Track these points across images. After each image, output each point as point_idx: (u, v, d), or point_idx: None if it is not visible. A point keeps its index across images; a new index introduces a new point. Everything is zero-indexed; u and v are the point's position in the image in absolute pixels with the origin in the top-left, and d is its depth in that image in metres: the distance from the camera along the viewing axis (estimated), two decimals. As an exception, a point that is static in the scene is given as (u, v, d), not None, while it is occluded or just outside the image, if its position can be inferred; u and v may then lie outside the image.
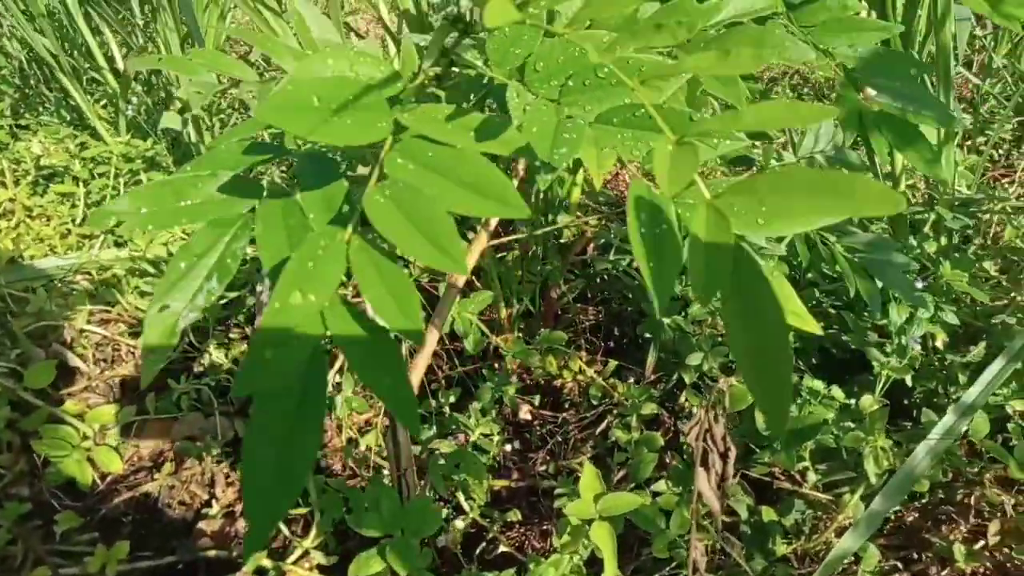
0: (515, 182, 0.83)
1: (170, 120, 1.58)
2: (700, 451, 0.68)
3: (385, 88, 0.45)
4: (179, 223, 0.44)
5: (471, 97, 0.62)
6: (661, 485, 0.87)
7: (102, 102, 2.18)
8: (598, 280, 1.54)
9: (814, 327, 0.55)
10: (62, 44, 2.06)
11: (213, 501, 1.10)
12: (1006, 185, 1.92)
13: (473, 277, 1.51)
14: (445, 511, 1.07)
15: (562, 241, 1.53)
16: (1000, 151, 2.05)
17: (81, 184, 1.78)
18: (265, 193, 0.46)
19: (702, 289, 0.28)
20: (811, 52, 0.54)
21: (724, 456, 0.69)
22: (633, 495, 0.74)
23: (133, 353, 1.34)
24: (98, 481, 1.13)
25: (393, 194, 0.39)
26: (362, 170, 0.56)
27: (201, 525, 1.06)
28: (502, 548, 0.98)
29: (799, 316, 0.54)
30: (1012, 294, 1.23)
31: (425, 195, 0.37)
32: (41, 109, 2.24)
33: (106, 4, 2.09)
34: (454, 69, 0.59)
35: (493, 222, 0.91)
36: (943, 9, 0.97)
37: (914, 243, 1.13)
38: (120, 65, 2.12)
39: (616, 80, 0.52)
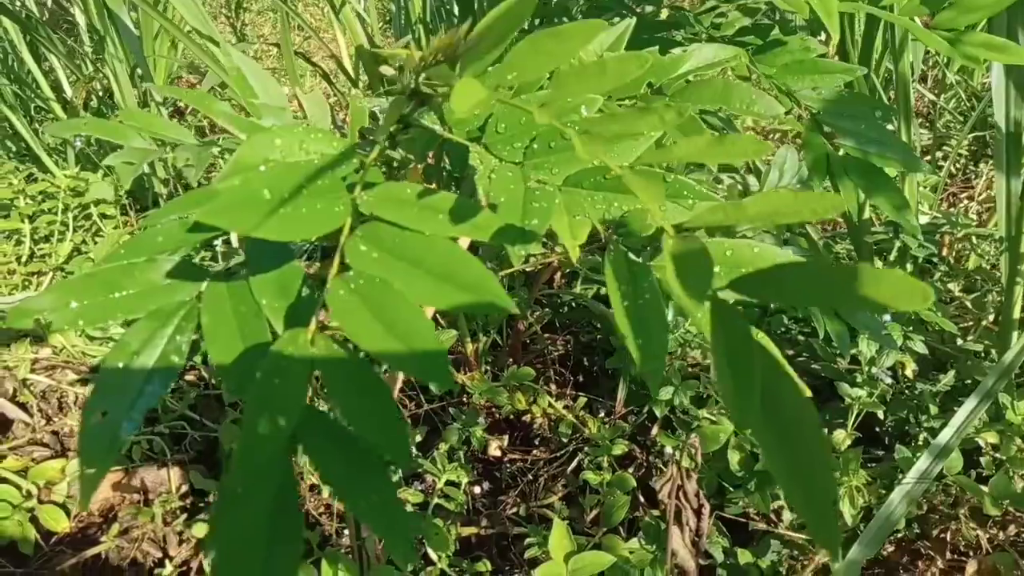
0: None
1: (102, 191, 1.53)
2: (673, 508, 0.65)
3: (340, 167, 0.42)
4: (114, 317, 0.40)
5: (428, 154, 0.59)
6: (634, 543, 0.84)
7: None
8: (565, 309, 1.51)
9: (805, 391, 0.52)
10: (8, 74, 1.98)
11: (166, 560, 1.05)
12: (965, 201, 1.94)
13: (436, 310, 1.47)
14: (412, 563, 1.03)
15: (529, 271, 1.50)
16: (957, 166, 2.08)
17: (27, 220, 1.71)
18: (210, 278, 0.42)
19: (736, 420, 0.25)
20: (779, 107, 0.52)
21: (698, 512, 0.66)
22: (603, 554, 0.71)
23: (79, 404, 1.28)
24: (42, 543, 1.06)
25: (359, 288, 0.35)
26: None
27: (154, 587, 1.01)
28: (472, 603, 0.94)
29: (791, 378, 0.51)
30: (977, 316, 1.23)
31: (394, 290, 0.34)
32: (-15, 140, 2.15)
33: (53, 32, 2.02)
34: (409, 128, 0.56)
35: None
36: (901, 40, 0.97)
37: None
38: (68, 94, 2.05)
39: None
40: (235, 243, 1.35)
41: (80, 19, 2.00)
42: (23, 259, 1.64)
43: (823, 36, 1.12)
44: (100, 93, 2.10)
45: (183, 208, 0.42)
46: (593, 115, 0.44)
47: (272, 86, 0.52)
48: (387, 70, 0.43)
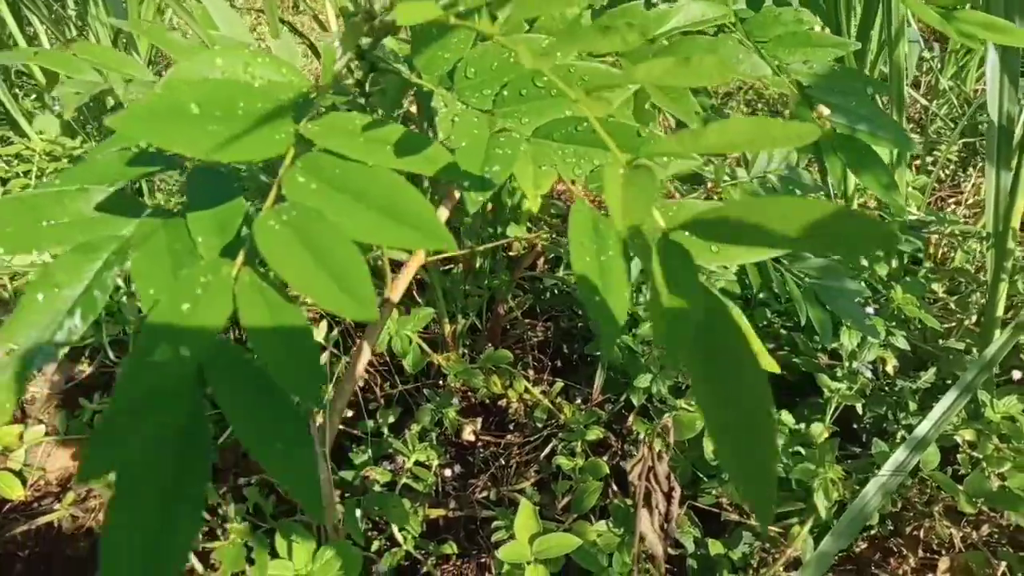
0: (447, 206, 0.77)
1: (46, 123, 1.48)
2: (643, 491, 0.63)
3: (286, 93, 0.39)
4: (40, 247, 0.37)
5: (398, 106, 0.57)
6: (602, 525, 0.82)
7: (32, 96, 2.05)
8: (547, 295, 1.49)
9: (773, 366, 0.50)
10: (-14, 35, 1.93)
11: (124, 532, 1.02)
12: (952, 206, 1.94)
13: (416, 290, 1.45)
14: (377, 543, 1.00)
15: (511, 254, 1.48)
16: (946, 172, 2.08)
17: (0, 184, 1.67)
18: (148, 212, 0.39)
19: (667, 347, 0.23)
20: (766, 67, 0.50)
21: (668, 496, 0.64)
22: (570, 536, 0.69)
23: (44, 370, 1.24)
24: (-5, 510, 1.03)
25: (291, 220, 0.33)
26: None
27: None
28: (435, 585, 0.92)
29: (758, 354, 0.49)
30: (960, 317, 1.22)
31: (329, 222, 0.31)
32: (-36, 103, 2.10)
33: (36, -7, 1.97)
34: (377, 71, 0.53)
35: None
36: (897, 29, 0.95)
37: (865, 265, 1.11)
38: (50, 58, 2.00)
39: (556, 90, 0.47)
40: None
41: (65, -18, 1.95)
42: (-6, 222, 1.60)
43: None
44: (82, 58, 2.05)
45: (124, 139, 0.39)
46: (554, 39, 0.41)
47: (236, 22, 0.49)
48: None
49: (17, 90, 1.99)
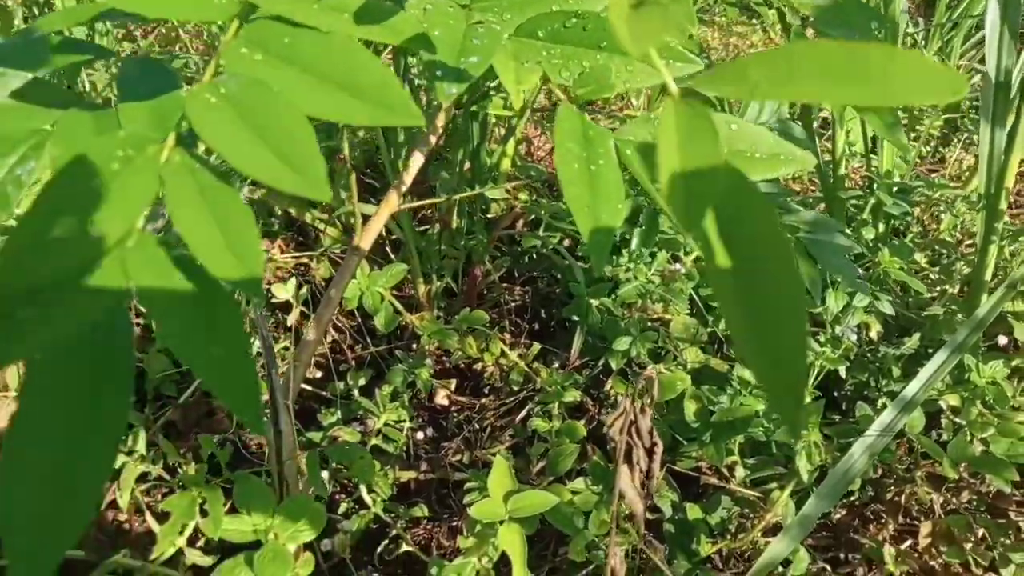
0: (423, 151, 0.72)
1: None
2: (624, 446, 0.60)
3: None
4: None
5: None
6: (580, 483, 0.79)
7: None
8: (526, 259, 1.45)
9: (779, 226, 0.46)
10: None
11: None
12: (935, 178, 1.93)
13: (389, 248, 1.40)
14: (345, 505, 0.97)
15: (489, 216, 1.43)
16: (928, 147, 2.07)
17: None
18: (74, 104, 0.34)
19: (683, 223, 0.19)
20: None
21: (650, 452, 0.61)
22: (546, 494, 0.66)
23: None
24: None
25: (230, 92, 0.28)
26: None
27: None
28: (405, 548, 0.89)
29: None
30: (943, 286, 1.21)
31: (273, 92, 0.27)
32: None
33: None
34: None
35: (407, 179, 0.80)
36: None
37: (850, 231, 1.09)
38: (8, 2, 1.90)
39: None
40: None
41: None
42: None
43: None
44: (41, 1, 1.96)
45: (51, 23, 0.34)
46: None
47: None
48: None
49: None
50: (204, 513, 0.67)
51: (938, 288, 1.21)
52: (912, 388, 0.73)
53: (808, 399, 0.92)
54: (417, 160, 0.80)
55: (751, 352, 0.19)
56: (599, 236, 0.32)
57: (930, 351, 1.09)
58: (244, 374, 0.23)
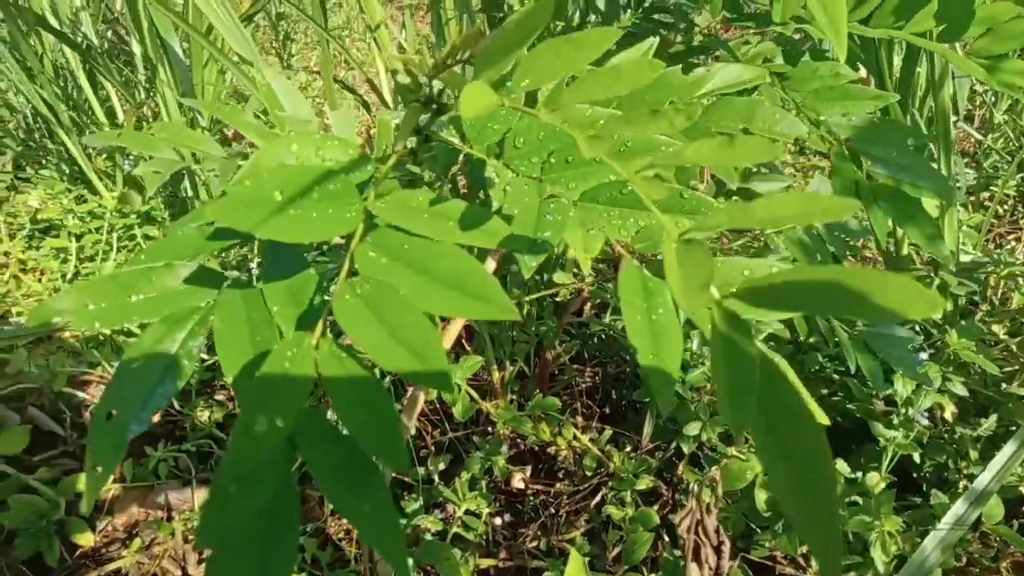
0: (495, 258, 0.79)
1: (129, 199, 1.57)
2: (692, 545, 0.63)
3: (353, 173, 0.42)
4: (130, 320, 0.41)
5: (449, 170, 0.60)
6: None
7: (103, 156, 2.18)
8: (595, 340, 1.50)
9: (823, 418, 0.50)
10: (67, 100, 2.07)
11: (185, 578, 1.05)
12: (1012, 243, 1.89)
13: (464, 337, 1.47)
14: (428, 591, 1.01)
15: (558, 300, 1.49)
16: (1005, 207, 2.02)
17: (74, 239, 1.77)
18: (227, 284, 0.42)
19: (731, 418, 0.24)
20: (802, 126, 0.51)
21: (718, 550, 0.64)
22: (622, 589, 0.69)
23: (112, 417, 1.30)
24: (67, 556, 1.07)
25: (365, 293, 0.35)
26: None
27: (171, 604, 1.01)
28: (487, 636, 0.92)
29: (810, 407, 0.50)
30: (1023, 360, 1.18)
31: (400, 295, 0.34)
32: (44, 162, 2.24)
33: (109, 60, 2.11)
34: (430, 143, 0.57)
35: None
36: (940, 73, 0.95)
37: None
38: (120, 119, 2.13)
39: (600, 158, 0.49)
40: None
41: (136, 49, 2.08)
42: (68, 277, 1.69)
43: (863, 73, 1.10)
44: (150, 118, 2.18)
45: (203, 216, 0.43)
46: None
47: (300, 101, 0.53)
48: (402, 77, 0.44)
49: (91, 150, 2.11)
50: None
51: (1019, 361, 1.19)
52: (984, 479, 0.73)
53: (881, 485, 0.93)
54: (491, 266, 0.87)
55: (794, 514, 0.24)
56: (662, 377, 0.37)
57: (1012, 428, 1.07)
58: (394, 529, 0.29)
